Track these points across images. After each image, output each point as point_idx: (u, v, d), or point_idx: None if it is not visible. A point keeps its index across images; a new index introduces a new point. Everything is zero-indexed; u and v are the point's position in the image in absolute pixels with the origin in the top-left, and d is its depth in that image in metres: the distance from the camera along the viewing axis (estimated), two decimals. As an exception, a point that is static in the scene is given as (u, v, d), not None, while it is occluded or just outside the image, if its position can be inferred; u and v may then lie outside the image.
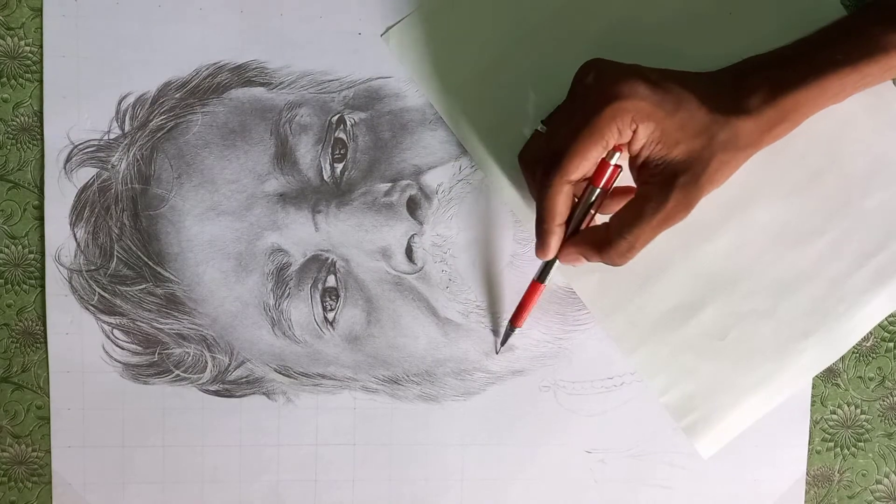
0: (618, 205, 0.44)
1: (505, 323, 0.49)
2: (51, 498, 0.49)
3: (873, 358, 0.51)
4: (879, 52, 0.41)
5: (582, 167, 0.41)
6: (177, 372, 0.49)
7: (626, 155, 0.43)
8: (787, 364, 0.50)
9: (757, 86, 0.41)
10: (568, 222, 0.43)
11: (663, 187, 0.41)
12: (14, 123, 0.48)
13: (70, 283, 0.48)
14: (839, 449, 0.51)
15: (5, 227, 0.48)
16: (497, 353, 0.49)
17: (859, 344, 0.51)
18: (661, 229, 0.41)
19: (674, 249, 0.49)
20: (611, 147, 0.41)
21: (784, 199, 0.49)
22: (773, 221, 0.49)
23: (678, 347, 0.49)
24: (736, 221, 0.48)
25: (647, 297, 0.47)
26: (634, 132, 0.40)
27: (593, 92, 0.41)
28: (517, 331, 0.48)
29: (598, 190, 0.43)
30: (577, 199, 0.44)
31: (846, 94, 0.42)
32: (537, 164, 0.44)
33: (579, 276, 0.49)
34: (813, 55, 0.42)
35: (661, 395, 0.50)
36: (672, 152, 0.41)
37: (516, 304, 0.48)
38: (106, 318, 0.48)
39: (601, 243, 0.42)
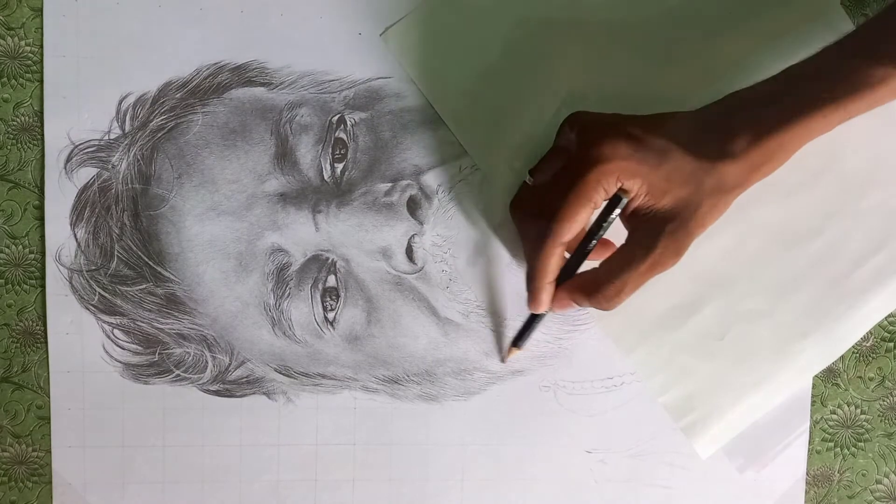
0: (605, 250, 0.44)
1: (507, 324, 0.49)
2: (51, 498, 0.49)
3: (873, 358, 0.51)
4: (864, 89, 0.40)
5: (573, 229, 0.41)
6: (177, 372, 0.49)
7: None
8: (786, 364, 0.50)
9: (741, 128, 0.41)
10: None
11: (652, 235, 0.41)
12: (14, 123, 0.48)
13: (70, 282, 0.48)
14: (839, 449, 0.51)
15: (6, 226, 0.48)
16: (504, 362, 0.49)
17: (859, 344, 0.51)
18: (649, 275, 0.42)
19: None
20: (600, 206, 0.42)
21: (783, 200, 0.49)
22: (772, 221, 0.49)
23: (677, 347, 0.49)
24: (735, 221, 0.48)
25: (646, 297, 0.47)
26: (621, 188, 0.41)
27: (578, 151, 0.42)
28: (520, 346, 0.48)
29: (595, 242, 0.43)
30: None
31: (831, 128, 0.41)
32: (527, 217, 0.45)
33: None
34: (796, 93, 0.41)
35: (659, 395, 0.50)
36: (660, 202, 0.41)
37: (516, 303, 0.48)
38: (106, 317, 0.48)
39: (590, 289, 0.43)
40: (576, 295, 0.44)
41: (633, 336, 0.49)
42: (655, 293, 0.48)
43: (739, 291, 0.49)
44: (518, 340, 0.48)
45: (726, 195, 0.41)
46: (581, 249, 0.44)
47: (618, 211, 0.41)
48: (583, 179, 0.40)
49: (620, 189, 0.41)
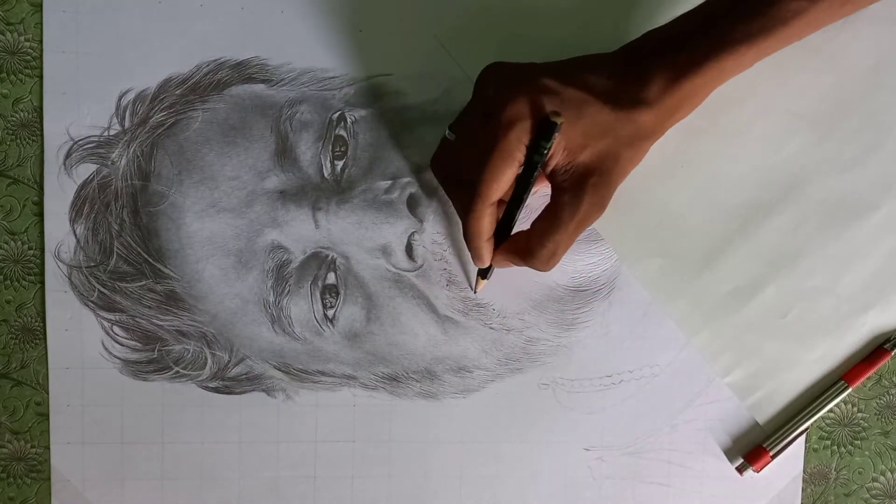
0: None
1: (508, 321, 0.49)
2: (50, 494, 0.49)
3: (870, 356, 0.51)
4: (778, 26, 0.40)
5: (499, 189, 0.41)
6: (176, 368, 0.49)
7: None
8: (849, 339, 0.50)
9: (655, 73, 0.40)
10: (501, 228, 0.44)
11: (576, 191, 0.41)
12: (14, 119, 0.47)
13: (69, 279, 0.48)
14: (836, 447, 0.52)
15: (5, 223, 0.48)
16: (475, 292, 0.49)
17: (856, 342, 0.51)
18: (579, 232, 0.42)
19: (733, 231, 0.49)
20: (522, 161, 0.41)
21: (839, 175, 0.49)
22: (830, 198, 0.50)
23: (740, 327, 0.50)
24: (793, 199, 0.49)
25: (709, 280, 0.48)
26: (552, 112, 0.40)
27: (495, 108, 0.41)
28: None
29: (526, 197, 0.43)
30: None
31: (746, 68, 0.41)
32: (450, 175, 0.45)
33: (640, 262, 0.50)
34: (710, 32, 0.40)
35: (724, 375, 0.50)
36: (579, 157, 0.41)
37: (516, 301, 0.48)
38: (105, 314, 0.48)
39: (525, 253, 0.43)
40: (512, 257, 0.44)
41: (697, 318, 0.50)
42: (718, 275, 0.50)
43: (800, 269, 0.50)
44: (485, 272, 0.48)
45: (643, 143, 0.41)
46: (511, 207, 0.43)
47: (553, 141, 0.40)
48: (503, 139, 0.40)
49: (551, 113, 0.39)
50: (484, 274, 0.48)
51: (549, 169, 0.42)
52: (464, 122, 0.45)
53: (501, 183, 0.41)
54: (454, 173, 0.45)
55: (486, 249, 0.44)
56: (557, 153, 0.41)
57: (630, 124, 0.40)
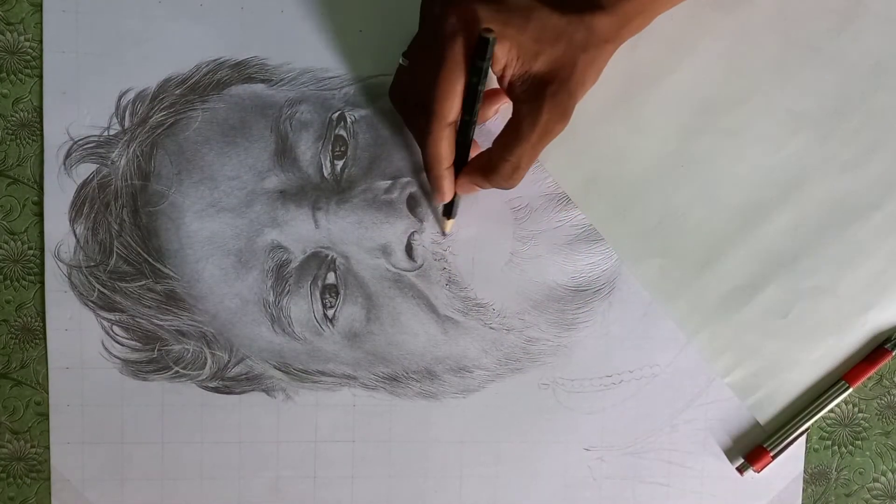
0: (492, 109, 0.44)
1: (510, 322, 0.49)
2: (49, 494, 0.49)
3: (871, 356, 0.51)
4: None
5: (454, 106, 0.40)
6: (176, 368, 0.49)
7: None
8: (850, 338, 0.50)
9: None
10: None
11: (534, 101, 0.40)
12: (13, 119, 0.47)
13: (69, 279, 0.48)
14: (837, 447, 0.52)
15: (4, 222, 0.48)
16: (445, 235, 0.49)
17: (857, 342, 0.51)
18: (541, 145, 0.41)
19: (733, 230, 0.49)
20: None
21: (840, 175, 0.49)
22: (831, 197, 0.50)
23: (741, 327, 0.50)
24: (793, 199, 0.49)
25: (709, 279, 0.48)
26: (484, 29, 0.39)
27: (441, 23, 0.40)
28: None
29: (477, 108, 0.41)
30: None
31: None
32: (408, 103, 0.44)
33: (640, 261, 0.49)
34: None
35: (724, 375, 0.50)
36: (534, 66, 0.40)
37: (516, 301, 0.48)
38: (105, 314, 0.48)
39: (487, 170, 0.42)
40: (475, 178, 0.43)
41: (698, 318, 0.50)
42: (718, 275, 0.49)
43: (801, 269, 0.50)
44: (448, 213, 0.47)
45: (600, 49, 0.40)
46: (464, 125, 0.42)
47: (489, 57, 0.39)
48: (451, 51, 0.39)
49: (483, 30, 0.38)
50: (448, 212, 0.47)
51: (506, 82, 0.41)
52: (415, 46, 0.44)
53: (454, 99, 0.40)
54: (411, 99, 0.44)
55: (447, 179, 0.43)
56: (510, 64, 0.40)
57: (583, 28, 0.39)
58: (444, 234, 0.49)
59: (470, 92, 0.40)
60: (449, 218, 0.48)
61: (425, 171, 0.44)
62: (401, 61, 0.44)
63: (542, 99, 0.40)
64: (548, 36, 0.39)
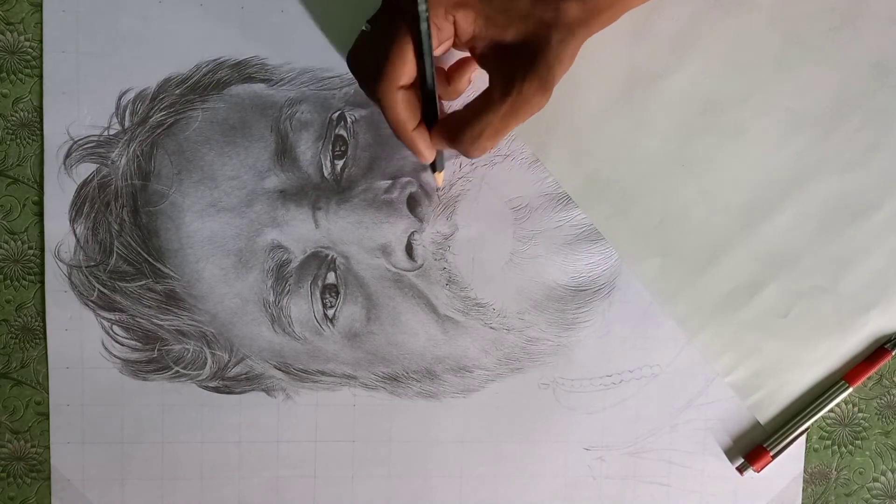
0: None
1: (510, 322, 0.49)
2: (49, 494, 0.49)
3: (871, 356, 0.51)
4: None
5: (406, 70, 0.40)
6: (176, 368, 0.49)
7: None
8: (851, 338, 0.50)
9: None
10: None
11: (509, 72, 0.39)
12: (14, 119, 0.47)
13: (69, 278, 0.48)
14: (836, 447, 0.52)
15: (5, 222, 0.48)
16: (439, 189, 0.48)
17: (857, 342, 0.51)
18: (514, 118, 0.40)
19: (734, 230, 0.49)
20: (434, 42, 0.40)
21: (841, 174, 0.49)
22: (831, 197, 0.49)
23: (741, 327, 0.50)
24: (794, 198, 0.49)
25: (709, 279, 0.48)
26: (455, 24, 0.39)
27: None
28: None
29: (429, 65, 0.40)
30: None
31: None
32: (364, 69, 0.43)
33: (641, 261, 0.49)
34: None
35: (725, 375, 0.50)
36: (505, 36, 0.39)
37: (516, 301, 0.48)
38: (105, 314, 0.48)
39: (453, 133, 0.41)
40: (443, 138, 0.42)
41: (698, 318, 0.50)
42: (719, 274, 0.49)
43: (801, 269, 0.50)
44: (434, 167, 0.46)
45: (571, 33, 0.39)
46: (422, 86, 0.41)
47: (423, 9, 0.38)
48: (398, 16, 0.38)
49: None
50: (434, 166, 0.46)
51: (478, 52, 0.40)
52: (379, 13, 0.43)
53: (405, 62, 0.39)
54: (367, 64, 0.42)
55: (419, 139, 0.42)
56: (479, 35, 0.39)
57: (551, 10, 0.39)
58: (438, 188, 0.48)
59: (416, 44, 0.39)
60: (436, 171, 0.46)
61: (395, 136, 0.43)
62: (364, 27, 0.43)
63: (515, 70, 0.39)
64: (517, 11, 0.39)
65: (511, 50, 0.40)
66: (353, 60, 0.44)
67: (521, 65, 0.39)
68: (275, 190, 0.48)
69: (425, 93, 0.41)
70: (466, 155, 0.42)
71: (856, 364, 0.50)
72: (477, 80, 0.46)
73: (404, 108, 0.41)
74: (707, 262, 0.50)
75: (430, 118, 0.42)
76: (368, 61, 0.42)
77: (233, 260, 0.48)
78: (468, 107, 0.41)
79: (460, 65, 0.45)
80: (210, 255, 0.48)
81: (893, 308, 0.50)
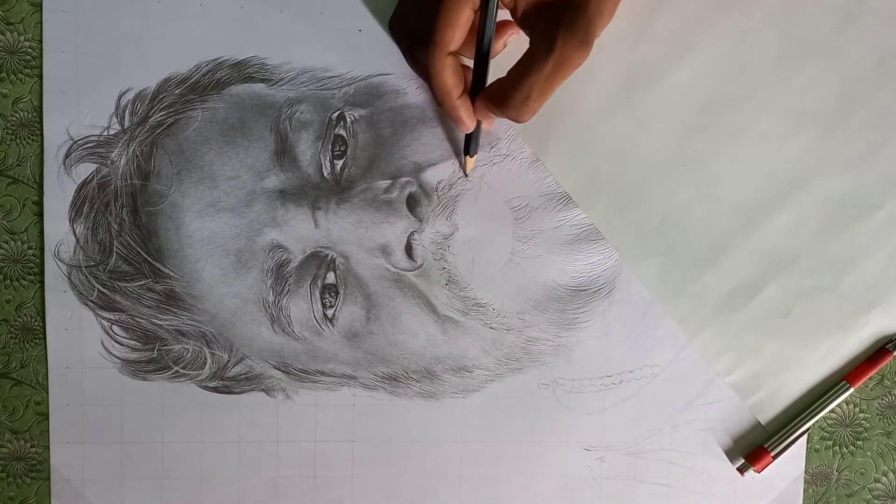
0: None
1: (510, 321, 0.49)
2: (49, 494, 0.49)
3: (872, 357, 0.51)
4: None
5: (456, 35, 0.40)
6: (176, 368, 0.49)
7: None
8: (852, 338, 0.50)
9: None
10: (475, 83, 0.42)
11: (550, 30, 0.39)
12: (13, 119, 0.47)
13: (69, 278, 0.48)
14: (838, 447, 0.51)
15: (4, 222, 0.48)
16: (467, 174, 0.48)
17: (858, 343, 0.51)
18: (558, 76, 0.39)
19: (735, 229, 0.49)
20: (478, 6, 0.40)
21: (842, 174, 0.49)
22: (832, 197, 0.49)
23: (742, 327, 0.50)
24: (795, 198, 0.49)
25: (709, 279, 0.48)
26: None
27: None
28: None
29: (489, 37, 0.41)
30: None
31: None
32: (409, 34, 0.43)
33: (641, 261, 0.49)
34: None
35: (725, 375, 0.50)
36: None
37: (516, 301, 0.48)
38: (105, 314, 0.48)
39: (499, 98, 0.41)
40: (488, 105, 0.42)
41: (699, 318, 0.50)
42: (719, 274, 0.49)
43: (802, 268, 0.50)
44: (468, 150, 0.46)
45: None
46: (478, 52, 0.41)
47: None
48: None
49: None
50: (468, 149, 0.46)
51: (519, 13, 0.40)
52: None
53: (457, 27, 0.39)
54: (412, 30, 0.42)
55: (463, 108, 0.42)
56: None
57: None
58: (465, 174, 0.48)
59: (482, 13, 0.39)
60: (469, 155, 0.47)
61: (438, 103, 0.43)
62: None
63: (557, 27, 0.39)
64: None
65: (552, 6, 0.40)
66: (396, 26, 0.44)
67: (562, 22, 0.39)
68: (274, 190, 0.48)
69: (479, 57, 0.41)
70: (517, 119, 0.41)
71: (857, 364, 0.50)
72: (511, 46, 0.46)
73: (451, 75, 0.41)
74: (707, 262, 0.50)
75: (478, 85, 0.42)
76: (415, 26, 0.42)
77: (232, 260, 0.48)
78: (511, 71, 0.41)
79: (498, 28, 0.45)
80: (209, 254, 0.48)
81: (895, 308, 0.50)
